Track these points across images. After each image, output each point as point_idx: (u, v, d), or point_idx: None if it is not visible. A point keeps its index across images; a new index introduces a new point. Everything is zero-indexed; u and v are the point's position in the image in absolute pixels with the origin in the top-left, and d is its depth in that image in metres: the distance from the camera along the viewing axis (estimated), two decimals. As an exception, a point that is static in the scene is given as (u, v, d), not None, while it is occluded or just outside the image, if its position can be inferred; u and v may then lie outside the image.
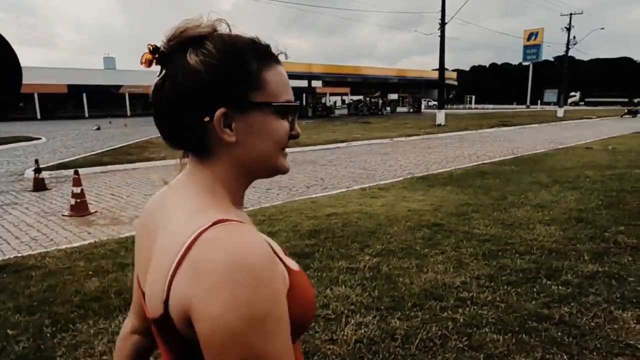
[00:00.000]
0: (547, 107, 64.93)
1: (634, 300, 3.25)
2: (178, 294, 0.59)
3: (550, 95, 73.65)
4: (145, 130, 24.35)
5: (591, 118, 37.72)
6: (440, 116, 27.93)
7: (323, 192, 8.29)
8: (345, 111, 49.24)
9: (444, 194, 7.54)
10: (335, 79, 47.00)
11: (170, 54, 0.67)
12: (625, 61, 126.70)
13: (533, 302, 3.23)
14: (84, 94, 45.17)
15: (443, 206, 6.53)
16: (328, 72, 42.23)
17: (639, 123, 30.81)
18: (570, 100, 76.16)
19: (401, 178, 9.57)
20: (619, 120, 35.97)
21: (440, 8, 26.92)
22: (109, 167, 11.96)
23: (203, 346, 0.57)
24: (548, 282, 3.59)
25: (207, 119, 0.66)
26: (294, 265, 0.71)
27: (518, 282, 3.58)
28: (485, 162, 11.86)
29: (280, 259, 0.66)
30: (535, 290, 3.44)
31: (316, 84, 57.70)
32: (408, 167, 11.75)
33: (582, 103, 78.80)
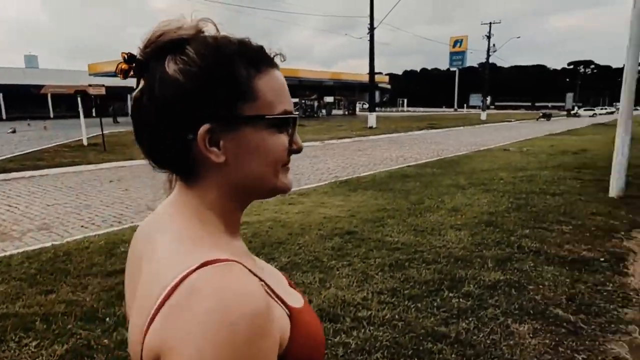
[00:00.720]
0: (472, 111, 68.38)
1: (531, 311, 3.15)
2: (152, 343, 0.52)
3: (475, 99, 77.78)
4: (66, 133, 22.56)
5: (511, 121, 40.14)
6: (372, 119, 28.42)
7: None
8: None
9: (364, 198, 7.40)
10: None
11: (147, 62, 0.59)
12: (540, 68, 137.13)
13: (432, 319, 3.04)
14: (1, 94, 41.55)
15: (360, 212, 6.35)
16: None
17: (553, 126, 33.17)
18: (472, 104, 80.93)
19: (326, 182, 9.37)
20: (535, 123, 38.51)
21: (368, 13, 27.35)
22: (13, 175, 10.75)
23: None
24: (450, 294, 3.43)
25: (190, 136, 0.58)
26: (297, 301, 0.65)
27: (420, 296, 3.39)
28: (410, 164, 11.98)
29: (280, 298, 0.60)
30: (435, 304, 3.25)
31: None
32: (335, 170, 11.60)
33: (492, 107, 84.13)
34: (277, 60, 0.64)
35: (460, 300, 3.31)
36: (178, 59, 0.57)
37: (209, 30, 0.60)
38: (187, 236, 0.59)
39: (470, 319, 3.03)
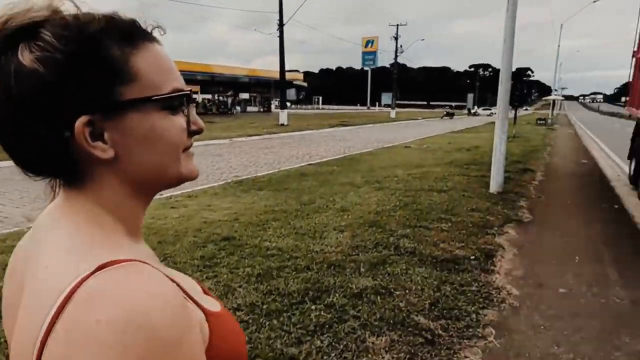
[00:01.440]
0: (384, 109, 70.98)
1: (392, 321, 3.00)
2: None
3: (386, 98, 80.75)
4: None
5: (418, 119, 42.16)
6: (283, 116, 28.20)
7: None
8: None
9: (255, 199, 7.04)
10: (185, 77, 45.33)
11: None
12: (445, 70, 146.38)
13: (284, 338, 2.76)
14: None
15: (245, 215, 5.98)
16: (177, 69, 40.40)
17: (454, 124, 35.30)
18: (385, 103, 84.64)
19: (222, 182, 8.88)
20: (439, 121, 40.75)
21: (278, 9, 27.01)
22: None
23: None
24: (313, 306, 3.18)
25: (67, 133, 0.49)
26: (214, 305, 0.58)
27: (279, 311, 3.10)
28: (313, 162, 11.84)
29: (196, 302, 0.54)
30: (293, 320, 2.98)
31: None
32: (237, 169, 11.14)
33: (379, 105, 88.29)
34: (156, 34, 0.56)
35: (322, 313, 3.07)
36: (33, 47, 0.47)
37: (67, 10, 0.51)
38: (79, 242, 0.50)
39: (326, 335, 2.79)
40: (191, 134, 0.58)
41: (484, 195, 7.16)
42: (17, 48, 0.48)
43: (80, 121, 0.49)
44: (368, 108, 74.48)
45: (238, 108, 50.46)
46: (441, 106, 77.10)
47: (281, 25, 27.23)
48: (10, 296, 0.57)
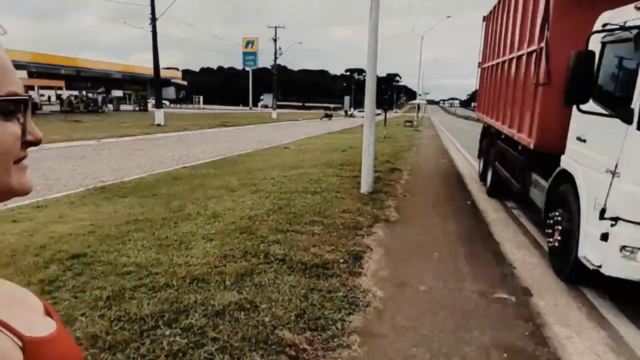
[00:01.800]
0: (266, 110, 71.01)
1: (254, 340, 2.83)
2: None
3: (268, 98, 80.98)
4: None
5: (298, 120, 42.87)
6: (159, 115, 26.55)
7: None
8: (58, 107, 42.03)
9: (117, 208, 6.35)
10: (46, 70, 40.35)
11: None
12: (324, 73, 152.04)
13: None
14: None
15: (103, 226, 5.34)
16: (36, 61, 35.68)
17: (333, 125, 36.57)
18: (261, 104, 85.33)
19: (82, 189, 7.90)
20: (319, 122, 41.92)
21: (150, 2, 25.30)
22: None
23: None
24: (167, 331, 2.87)
25: None
26: (46, 329, 0.53)
27: (127, 341, 2.74)
28: (189, 165, 11.21)
29: (7, 325, 0.48)
30: (141, 351, 2.64)
31: (20, 74, 47.67)
32: (103, 174, 10.05)
33: (262, 105, 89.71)
34: None
35: (177, 338, 2.78)
36: None
37: None
38: None
39: (177, 366, 2.52)
40: (26, 144, 0.53)
41: (355, 195, 7.38)
42: None
43: None
44: (250, 108, 73.81)
45: (110, 106, 46.43)
46: (320, 108, 79.71)
47: (154, 20, 25.55)
48: None
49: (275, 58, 47.82)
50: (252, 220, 5.64)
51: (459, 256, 4.91)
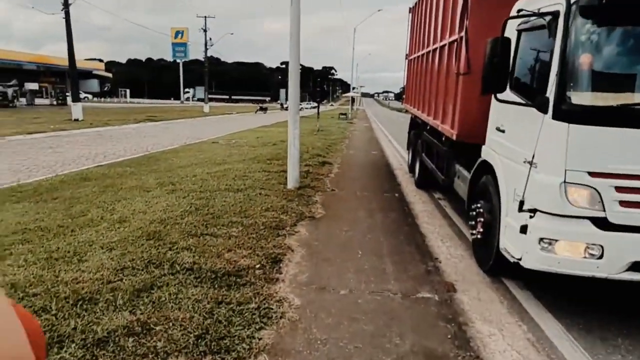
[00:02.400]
0: (199, 103, 68.63)
1: (138, 373, 2.39)
2: None
3: (199, 91, 78.32)
4: None
5: (232, 113, 41.70)
6: (77, 110, 24.62)
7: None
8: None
9: (5, 216, 5.54)
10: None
11: None
12: (258, 66, 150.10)
13: None
14: None
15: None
16: None
17: (268, 118, 35.93)
18: (186, 96, 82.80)
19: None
20: (253, 116, 41.05)
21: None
22: None
23: None
24: (29, 371, 2.36)
25: None
26: None
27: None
28: (105, 164, 10.27)
29: None
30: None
31: None
32: (1, 175, 8.92)
33: (195, 99, 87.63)
34: None
35: (39, 380, 2.28)
36: None
37: None
38: None
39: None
40: None
41: (281, 192, 7.03)
42: None
43: None
44: (181, 102, 71.03)
45: (23, 100, 42.52)
46: (255, 101, 78.43)
47: (66, 4, 23.49)
48: None
49: (206, 49, 46.12)
50: (164, 224, 5.11)
51: (384, 253, 4.71)
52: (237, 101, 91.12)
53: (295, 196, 6.82)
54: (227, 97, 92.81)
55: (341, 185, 8.27)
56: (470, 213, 4.71)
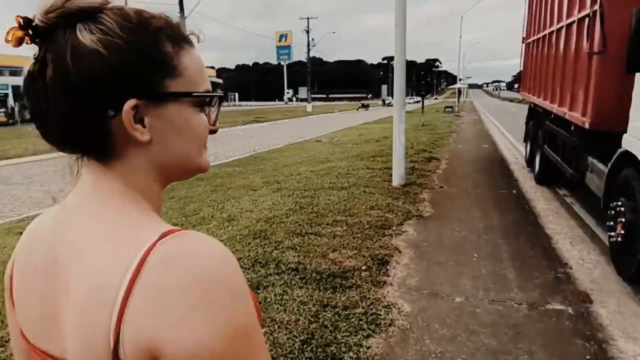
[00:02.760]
0: (302, 103, 70.82)
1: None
2: (136, 334, 0.46)
3: (303, 92, 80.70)
4: None
5: (334, 112, 42.28)
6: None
7: None
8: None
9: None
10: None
11: (50, 29, 0.52)
12: (360, 63, 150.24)
13: None
14: None
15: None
16: None
17: (369, 115, 35.73)
18: (288, 97, 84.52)
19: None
20: (355, 113, 41.14)
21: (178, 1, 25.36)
22: None
23: None
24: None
25: (111, 113, 0.53)
26: None
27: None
28: (215, 164, 10.91)
29: None
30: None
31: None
32: None
33: (295, 99, 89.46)
34: (194, 40, 0.62)
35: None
36: (94, 29, 0.52)
37: (114, 3, 0.55)
38: (128, 216, 0.54)
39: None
40: (210, 132, 0.62)
41: (386, 189, 6.76)
42: (75, 27, 0.51)
43: (129, 104, 0.53)
44: (285, 103, 73.91)
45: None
46: (357, 98, 78.50)
47: (182, 17, 25.60)
48: (34, 275, 0.58)
49: (308, 50, 47.35)
50: (269, 223, 5.16)
51: (504, 257, 4.23)
52: (338, 99, 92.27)
53: (401, 194, 6.51)
54: (336, 95, 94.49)
55: (450, 181, 7.75)
56: (608, 212, 4.06)
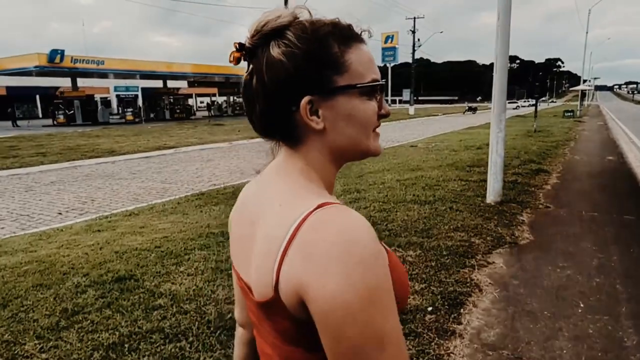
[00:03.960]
0: (405, 105, 69.13)
1: None
2: (289, 276, 0.60)
3: (407, 93, 78.67)
4: None
5: (437, 115, 40.36)
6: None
7: (72, 220, 6.38)
8: (212, 112, 46.38)
9: (204, 217, 5.96)
10: (202, 79, 44.91)
11: (254, 48, 0.69)
12: (471, 64, 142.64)
13: None
14: None
15: (174, 240, 4.90)
16: (195, 71, 40.10)
17: (476, 119, 33.41)
18: (389, 100, 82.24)
19: (187, 194, 7.89)
20: (460, 117, 38.85)
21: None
22: None
23: (320, 326, 0.58)
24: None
25: (294, 108, 0.67)
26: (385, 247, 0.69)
27: None
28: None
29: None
30: None
31: (181, 84, 54.41)
32: (221, 176, 10.20)
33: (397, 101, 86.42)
34: (364, 36, 0.72)
35: None
36: (280, 43, 0.66)
37: (304, 15, 0.69)
38: (299, 189, 0.68)
39: None
40: (380, 117, 0.72)
41: (477, 207, 5.86)
42: (269, 44, 0.67)
43: (305, 100, 0.66)
44: (389, 105, 72.78)
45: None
46: (467, 101, 74.50)
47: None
48: (240, 235, 0.76)
49: (414, 51, 45.82)
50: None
51: (622, 311, 3.22)
52: (446, 102, 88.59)
53: (494, 213, 5.57)
54: (443, 98, 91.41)
55: (560, 200, 6.54)
56: None
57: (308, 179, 0.68)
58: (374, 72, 0.69)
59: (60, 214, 7.11)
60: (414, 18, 45.31)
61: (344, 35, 0.68)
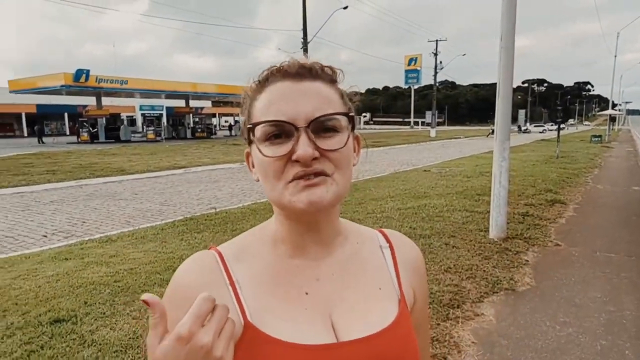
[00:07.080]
0: (427, 128, 68.43)
1: None
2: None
3: (430, 115, 77.97)
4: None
5: (459, 138, 39.54)
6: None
7: (55, 244, 6.21)
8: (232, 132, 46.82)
9: (181, 247, 5.58)
10: (225, 99, 45.69)
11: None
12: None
13: None
14: None
15: (137, 273, 4.52)
16: (219, 91, 40.75)
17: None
18: (362, 120, 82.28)
19: (176, 219, 7.55)
20: (483, 140, 37.94)
21: (302, 27, 26.13)
22: None
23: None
24: None
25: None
26: (294, 331, 0.68)
27: None
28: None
29: (241, 305, 0.67)
30: None
31: (205, 103, 55.42)
32: (222, 199, 9.90)
33: (372, 122, 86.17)
34: (290, 69, 0.64)
35: None
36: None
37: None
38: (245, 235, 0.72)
39: None
40: (295, 161, 0.60)
41: (476, 243, 5.30)
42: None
43: (246, 151, 0.68)
44: (411, 127, 72.04)
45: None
46: (492, 123, 73.29)
47: (305, 43, 26.27)
48: None
49: (435, 73, 45.34)
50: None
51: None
52: (471, 124, 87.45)
53: (495, 251, 5.01)
54: (467, 121, 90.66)
55: (573, 237, 5.91)
56: None
57: (263, 228, 0.70)
58: (272, 113, 0.61)
59: (45, 236, 6.87)
60: (437, 41, 44.94)
61: (260, 82, 0.66)
